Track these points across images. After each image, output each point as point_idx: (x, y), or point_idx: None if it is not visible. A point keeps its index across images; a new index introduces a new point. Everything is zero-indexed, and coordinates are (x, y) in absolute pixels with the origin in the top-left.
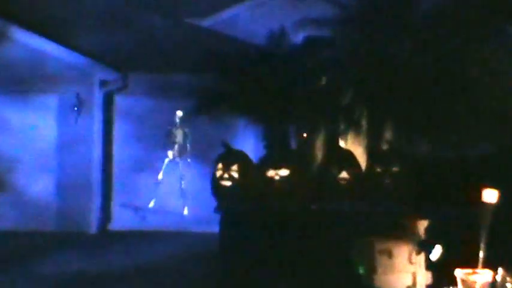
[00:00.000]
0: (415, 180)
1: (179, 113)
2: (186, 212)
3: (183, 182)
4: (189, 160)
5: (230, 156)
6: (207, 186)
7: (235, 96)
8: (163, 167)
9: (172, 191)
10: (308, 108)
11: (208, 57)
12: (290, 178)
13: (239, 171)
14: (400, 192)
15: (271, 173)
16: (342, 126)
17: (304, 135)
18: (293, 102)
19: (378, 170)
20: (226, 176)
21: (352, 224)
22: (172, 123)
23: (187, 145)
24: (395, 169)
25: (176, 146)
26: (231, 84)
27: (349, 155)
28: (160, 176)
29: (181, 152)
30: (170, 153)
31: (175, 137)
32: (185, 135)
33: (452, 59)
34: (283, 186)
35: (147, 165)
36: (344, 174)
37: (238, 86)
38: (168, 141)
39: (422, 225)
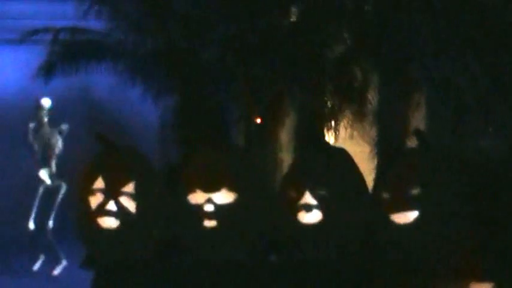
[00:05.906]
0: (473, 204)
1: (45, 102)
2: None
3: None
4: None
5: (116, 162)
6: None
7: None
8: (37, 199)
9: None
10: (267, 64)
11: None
12: (237, 209)
13: (138, 195)
14: (438, 229)
15: (198, 198)
16: (330, 102)
17: (258, 120)
18: (241, 53)
19: (399, 183)
20: (110, 207)
21: None
22: (35, 117)
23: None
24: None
25: (53, 160)
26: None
27: (339, 160)
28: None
29: (57, 170)
30: (44, 174)
31: (47, 142)
32: (59, 135)
33: None
34: (224, 226)
35: None
36: (308, 199)
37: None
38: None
39: None
